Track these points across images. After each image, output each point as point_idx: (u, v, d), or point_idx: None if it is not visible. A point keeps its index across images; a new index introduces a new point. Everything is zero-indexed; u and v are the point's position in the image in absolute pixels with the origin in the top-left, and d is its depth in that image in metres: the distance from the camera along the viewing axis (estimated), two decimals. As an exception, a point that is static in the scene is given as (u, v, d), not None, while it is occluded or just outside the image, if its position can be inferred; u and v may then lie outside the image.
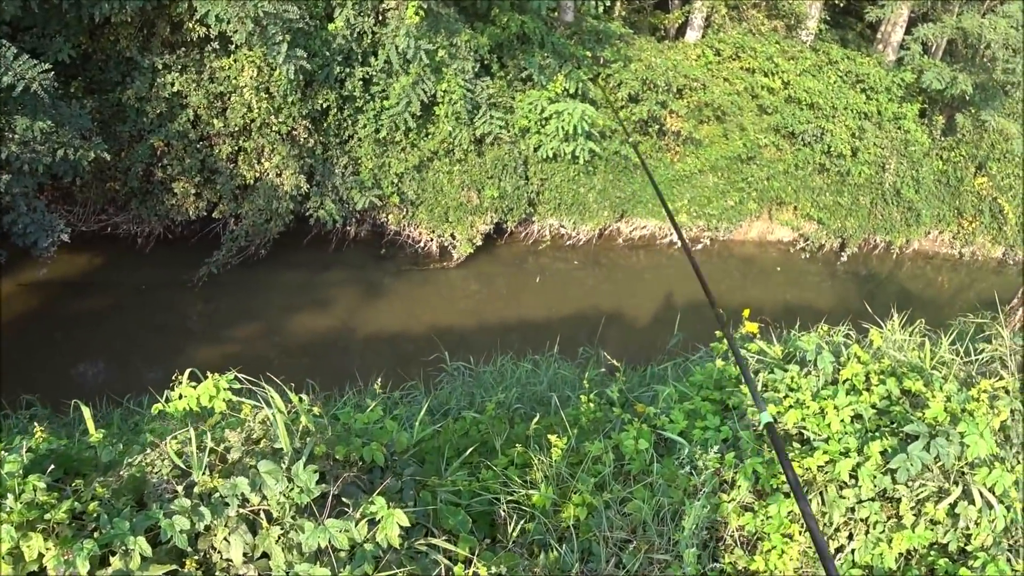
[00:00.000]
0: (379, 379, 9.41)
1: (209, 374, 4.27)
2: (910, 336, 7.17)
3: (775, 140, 17.15)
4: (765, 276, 17.55)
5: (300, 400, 3.89)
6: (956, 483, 4.32)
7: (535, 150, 15.32)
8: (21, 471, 3.09)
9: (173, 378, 4.34)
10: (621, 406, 5.63)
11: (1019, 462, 4.65)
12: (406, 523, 2.99)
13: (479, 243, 15.63)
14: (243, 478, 2.98)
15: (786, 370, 4.87)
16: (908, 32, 17.86)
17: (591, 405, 5.41)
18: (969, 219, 18.66)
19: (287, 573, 2.92)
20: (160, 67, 13.01)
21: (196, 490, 3.04)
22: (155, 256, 14.25)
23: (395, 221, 15.41)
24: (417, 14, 12.68)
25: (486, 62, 14.93)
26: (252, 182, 13.82)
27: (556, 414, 5.93)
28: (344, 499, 3.12)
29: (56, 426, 7.43)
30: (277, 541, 2.95)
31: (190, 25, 12.79)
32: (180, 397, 4.02)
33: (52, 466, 3.21)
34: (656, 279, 16.80)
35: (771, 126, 17.14)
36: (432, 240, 15.60)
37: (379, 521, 2.98)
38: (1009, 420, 4.75)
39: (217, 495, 2.97)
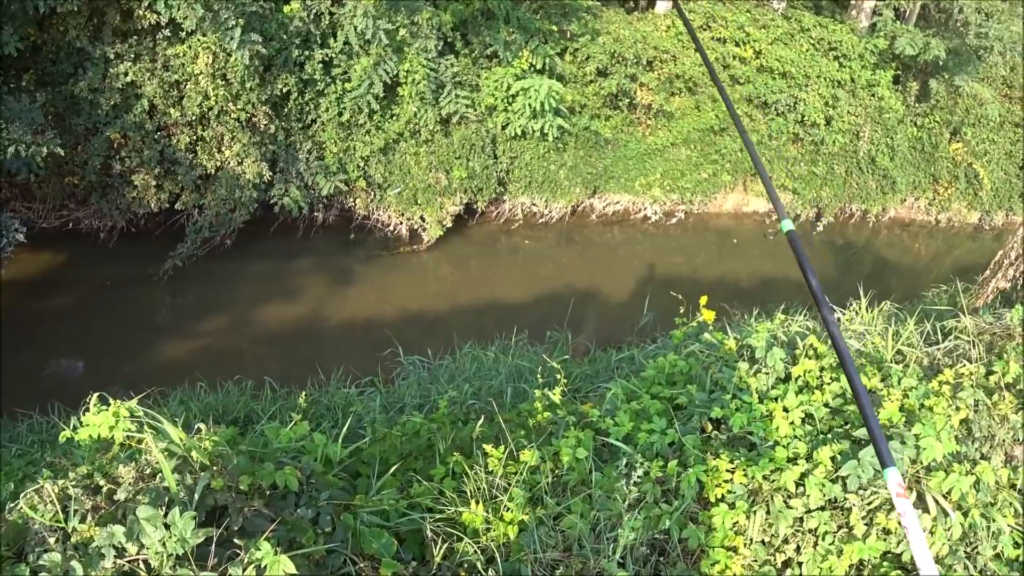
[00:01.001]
0: (340, 371, 9.34)
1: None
2: (876, 317, 6.98)
3: (748, 110, 16.88)
4: (742, 248, 17.36)
5: (199, 430, 3.64)
6: (910, 489, 4.10)
7: (503, 128, 15.03)
8: None
9: (86, 399, 4.10)
10: (570, 402, 5.41)
11: (981, 456, 4.45)
12: (292, 570, 2.75)
13: (449, 225, 15.35)
14: (119, 526, 2.72)
15: (735, 368, 4.64)
16: (881, -3, 17.63)
17: (539, 405, 5.17)
18: (945, 185, 18.50)
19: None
20: (112, 57, 12.61)
21: (73, 539, 2.80)
22: (119, 251, 13.92)
23: (363, 205, 15.11)
24: (374, -7, 12.38)
25: (449, 40, 14.58)
26: (213, 171, 13.48)
27: (511, 410, 5.71)
28: (237, 540, 2.88)
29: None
30: (155, 595, 2.71)
31: (140, 12, 12.40)
32: (86, 426, 3.77)
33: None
34: (630, 255, 16.59)
35: (743, 96, 16.86)
36: (402, 223, 15.31)
37: (266, 567, 2.75)
38: (971, 414, 4.53)
39: (94, 545, 2.74)
